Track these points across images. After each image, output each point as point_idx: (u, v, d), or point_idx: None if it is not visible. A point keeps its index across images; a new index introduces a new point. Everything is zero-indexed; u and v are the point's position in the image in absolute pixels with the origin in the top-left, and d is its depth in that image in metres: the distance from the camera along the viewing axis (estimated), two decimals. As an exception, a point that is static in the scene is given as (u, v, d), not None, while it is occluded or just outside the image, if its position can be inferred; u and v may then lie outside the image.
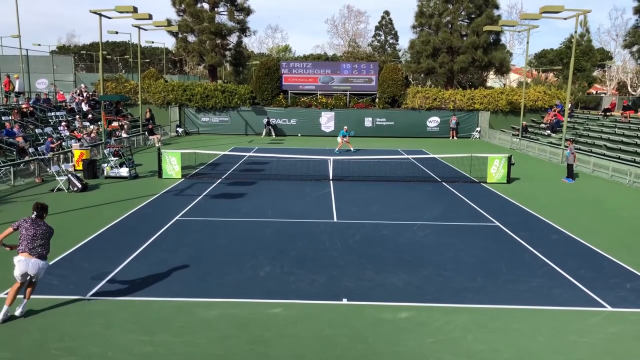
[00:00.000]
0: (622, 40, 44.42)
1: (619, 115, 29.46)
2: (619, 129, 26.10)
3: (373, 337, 6.94)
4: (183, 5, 38.82)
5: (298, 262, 9.84)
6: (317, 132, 36.28)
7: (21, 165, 18.33)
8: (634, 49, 35.41)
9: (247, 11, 39.96)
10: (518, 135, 31.10)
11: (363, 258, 10.11)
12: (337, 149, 27.36)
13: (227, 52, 41.24)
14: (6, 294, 7.41)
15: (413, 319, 7.54)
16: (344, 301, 8.06)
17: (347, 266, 9.64)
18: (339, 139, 27.95)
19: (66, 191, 16.02)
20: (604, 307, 8.03)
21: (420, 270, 9.47)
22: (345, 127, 28.64)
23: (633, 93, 50.14)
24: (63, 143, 21.84)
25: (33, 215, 7.37)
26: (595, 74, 52.65)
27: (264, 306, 7.84)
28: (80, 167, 19.10)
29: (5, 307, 7.17)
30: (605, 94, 51.59)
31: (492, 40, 39.79)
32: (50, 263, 9.40)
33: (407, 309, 7.83)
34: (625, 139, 24.12)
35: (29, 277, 7.25)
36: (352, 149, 27.76)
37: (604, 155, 22.88)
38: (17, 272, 7.13)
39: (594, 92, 55.17)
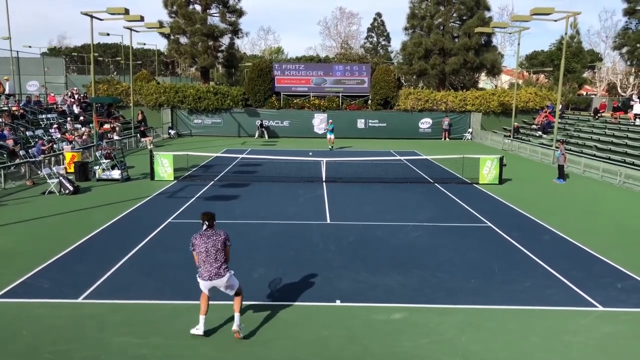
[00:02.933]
0: (611, 41, 44.88)
1: (609, 116, 29.74)
2: (609, 129, 26.32)
3: (369, 339, 6.95)
4: (175, 7, 38.68)
5: (292, 263, 9.83)
6: (310, 134, 36.28)
7: (12, 167, 18.17)
8: (624, 50, 35.79)
9: (239, 13, 39.91)
10: (510, 136, 31.27)
11: (357, 259, 10.11)
12: (330, 147, 28.79)
13: (220, 54, 41.14)
14: None
15: (408, 320, 7.56)
16: (338, 302, 8.07)
17: (341, 268, 9.63)
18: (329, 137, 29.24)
19: (57, 194, 15.90)
20: (596, 307, 8.09)
21: (414, 272, 9.49)
22: (330, 120, 30.25)
23: (623, 94, 50.55)
24: (54, 145, 21.68)
25: (203, 228, 6.84)
26: (585, 75, 53.04)
27: (259, 308, 7.83)
28: (72, 170, 18.96)
29: (201, 317, 6.87)
30: (595, 95, 52.02)
31: (483, 42, 40.02)
32: (42, 266, 9.39)
33: (402, 310, 7.84)
34: (615, 140, 24.34)
35: (225, 290, 6.93)
36: (330, 146, 28.90)
37: (594, 156, 23.05)
38: (202, 288, 6.85)
39: (584, 93, 55.60)
